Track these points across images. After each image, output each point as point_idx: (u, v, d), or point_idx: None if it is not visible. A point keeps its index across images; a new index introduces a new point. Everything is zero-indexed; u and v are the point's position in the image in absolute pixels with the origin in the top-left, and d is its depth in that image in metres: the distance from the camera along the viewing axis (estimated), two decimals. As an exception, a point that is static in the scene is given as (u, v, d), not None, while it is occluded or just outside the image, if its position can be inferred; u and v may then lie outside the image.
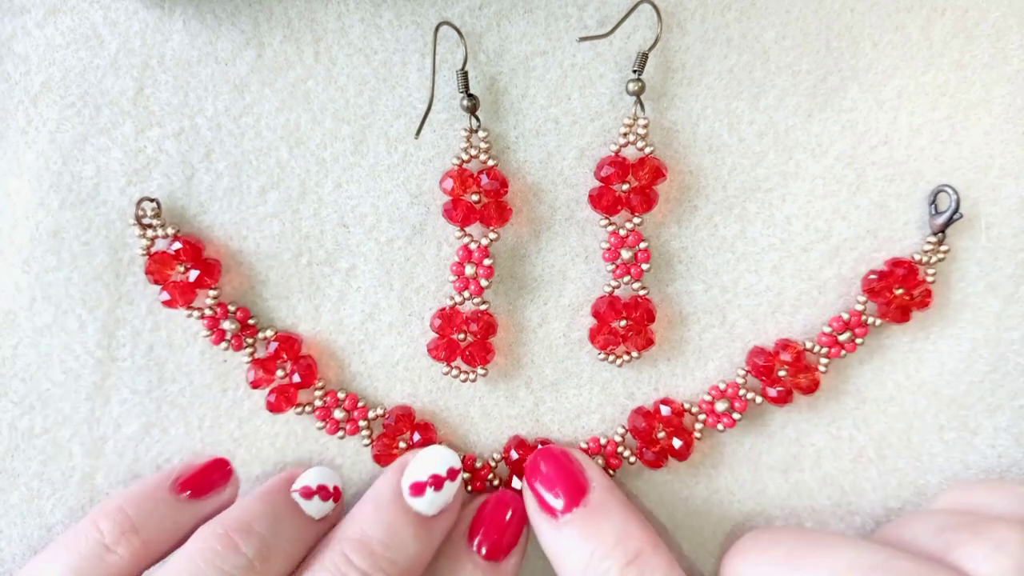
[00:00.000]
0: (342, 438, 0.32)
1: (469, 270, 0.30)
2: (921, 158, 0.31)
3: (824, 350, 0.31)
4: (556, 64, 0.30)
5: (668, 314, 0.32)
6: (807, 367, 0.31)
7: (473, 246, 0.31)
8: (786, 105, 0.31)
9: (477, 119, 0.30)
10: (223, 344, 0.31)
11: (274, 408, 0.31)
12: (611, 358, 0.31)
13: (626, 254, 0.30)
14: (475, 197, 0.30)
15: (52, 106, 0.30)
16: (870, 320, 0.30)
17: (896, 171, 0.31)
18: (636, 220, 0.30)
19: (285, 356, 0.31)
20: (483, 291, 0.31)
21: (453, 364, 0.31)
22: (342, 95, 0.31)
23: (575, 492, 0.29)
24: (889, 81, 0.30)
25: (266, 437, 0.32)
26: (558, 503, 0.28)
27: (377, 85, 0.31)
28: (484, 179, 0.30)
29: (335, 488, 0.30)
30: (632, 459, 0.31)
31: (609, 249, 0.31)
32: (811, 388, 0.30)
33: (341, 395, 0.32)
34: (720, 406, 0.31)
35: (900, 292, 0.30)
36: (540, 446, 0.31)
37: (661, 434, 0.31)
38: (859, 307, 0.30)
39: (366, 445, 0.32)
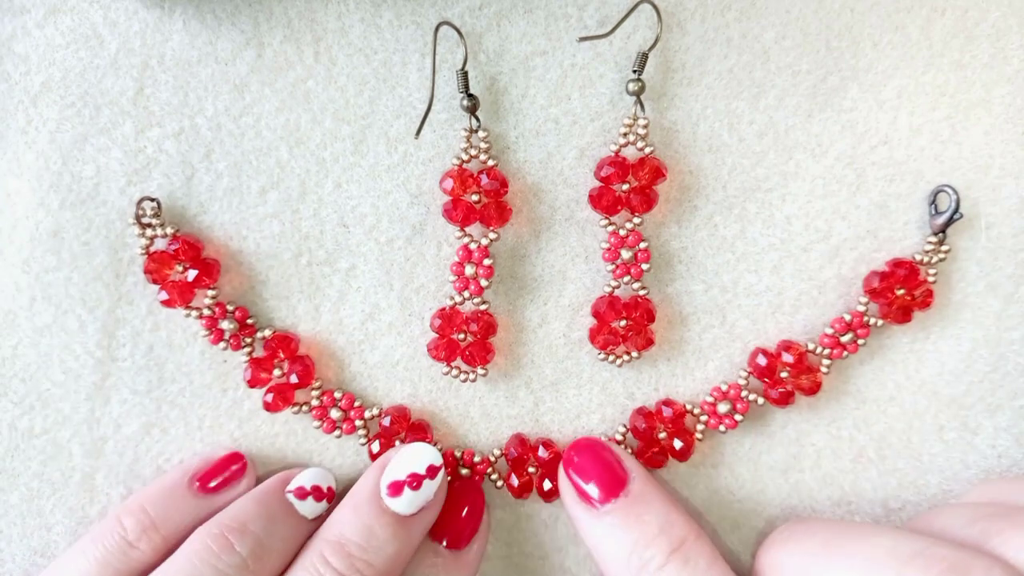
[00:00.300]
0: (339, 437, 0.32)
1: (469, 270, 0.30)
2: (921, 158, 0.31)
3: (826, 351, 0.31)
4: (556, 64, 0.30)
5: (668, 314, 0.32)
6: (809, 368, 0.31)
7: (473, 246, 0.31)
8: (786, 105, 0.31)
9: (477, 119, 0.30)
10: (222, 344, 0.31)
11: (271, 408, 0.31)
12: (611, 358, 0.31)
13: (626, 254, 0.30)
14: (475, 197, 0.30)
15: (52, 106, 0.30)
16: (872, 321, 0.30)
17: (896, 171, 0.31)
18: (636, 220, 0.30)
19: (282, 356, 0.31)
20: (483, 291, 0.31)
21: (453, 364, 0.31)
22: (342, 95, 0.31)
23: (614, 483, 0.29)
24: (889, 81, 0.30)
25: (266, 437, 0.32)
26: (597, 493, 0.29)
27: (377, 85, 0.31)
28: (484, 179, 0.30)
29: (329, 489, 0.31)
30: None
31: (609, 249, 0.31)
32: (813, 389, 0.30)
33: (338, 395, 0.32)
34: (722, 407, 0.31)
35: (901, 293, 0.30)
36: (542, 445, 0.31)
37: (662, 435, 0.31)
38: (861, 308, 0.30)
39: (363, 444, 0.32)
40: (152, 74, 0.31)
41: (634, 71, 0.30)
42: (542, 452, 0.31)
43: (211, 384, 0.32)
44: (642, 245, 0.30)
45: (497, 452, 0.32)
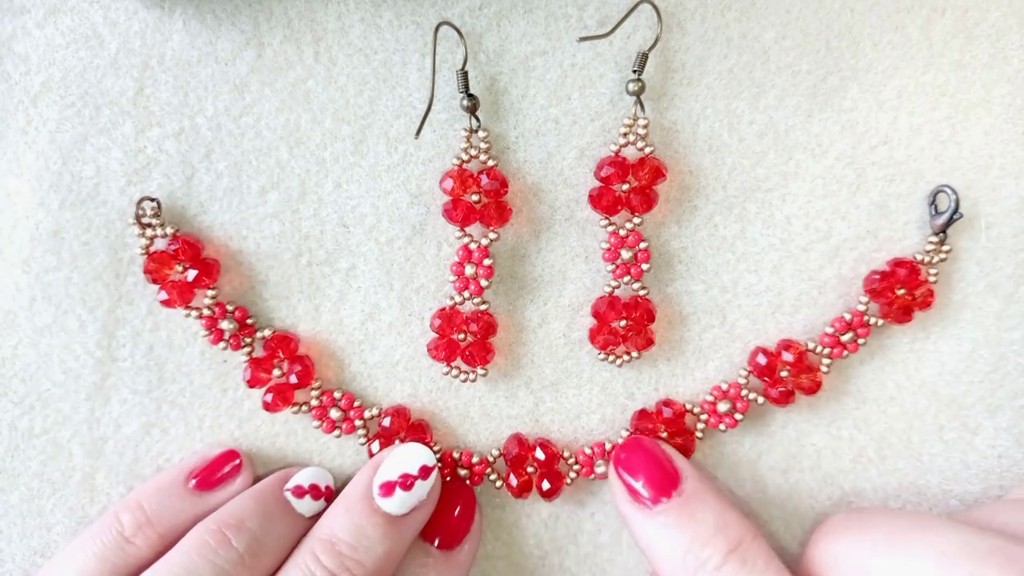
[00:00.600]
0: (338, 437, 0.32)
1: (469, 270, 0.30)
2: (921, 158, 0.31)
3: (826, 350, 0.31)
4: (556, 64, 0.30)
5: (668, 314, 0.32)
6: (809, 367, 0.31)
7: (473, 246, 0.31)
8: (786, 105, 0.31)
9: (477, 119, 0.30)
10: (221, 344, 0.31)
11: (270, 408, 0.31)
12: (611, 358, 0.31)
13: (626, 254, 0.30)
14: (475, 197, 0.30)
15: (52, 106, 0.30)
16: (872, 320, 0.30)
17: (896, 171, 0.31)
18: (636, 220, 0.30)
19: (282, 356, 0.31)
20: (483, 291, 0.31)
21: (453, 364, 0.31)
22: (342, 95, 0.31)
23: (666, 482, 0.29)
24: (889, 81, 0.30)
25: (266, 437, 0.32)
26: (648, 492, 0.29)
27: (377, 85, 0.31)
28: (484, 179, 0.30)
29: (327, 488, 0.31)
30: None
31: (609, 249, 0.31)
32: (813, 389, 0.30)
33: (337, 395, 0.32)
34: (722, 407, 0.31)
35: (902, 292, 0.30)
36: (539, 446, 0.31)
37: (663, 434, 0.31)
38: (861, 307, 0.30)
39: (363, 444, 0.32)
40: (152, 74, 0.31)
41: (634, 71, 0.30)
42: (539, 453, 0.31)
43: (211, 384, 0.32)
44: (642, 245, 0.30)
45: (495, 452, 0.32)
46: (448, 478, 0.32)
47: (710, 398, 0.31)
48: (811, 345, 0.31)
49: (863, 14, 0.30)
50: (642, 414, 0.31)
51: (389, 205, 0.31)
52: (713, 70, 0.30)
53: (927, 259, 0.30)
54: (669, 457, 0.30)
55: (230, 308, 0.31)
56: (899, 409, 0.31)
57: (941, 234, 0.30)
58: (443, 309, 0.31)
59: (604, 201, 0.30)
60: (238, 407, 0.32)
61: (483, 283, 0.31)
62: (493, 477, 0.32)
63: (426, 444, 0.31)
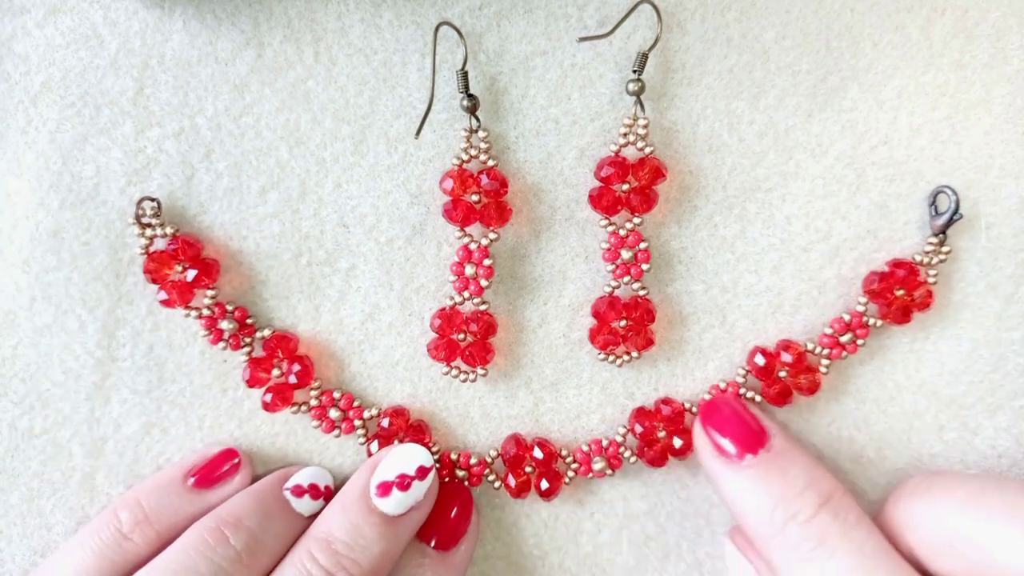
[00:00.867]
0: (338, 437, 0.32)
1: (469, 270, 0.30)
2: (921, 158, 0.31)
3: (825, 351, 0.31)
4: (556, 64, 0.30)
5: (668, 314, 0.32)
6: (808, 368, 0.31)
7: (473, 246, 0.31)
8: (786, 105, 0.31)
9: (477, 119, 0.30)
10: (221, 344, 0.31)
11: (270, 408, 0.31)
12: (611, 358, 0.31)
13: (626, 254, 0.30)
14: (475, 197, 0.30)
15: (52, 106, 0.30)
16: (871, 321, 0.30)
17: (896, 171, 0.31)
18: (636, 220, 0.30)
19: (281, 355, 0.31)
20: (483, 291, 0.31)
21: (453, 364, 0.31)
22: (342, 95, 0.31)
23: (752, 439, 0.29)
24: (889, 81, 0.30)
25: (266, 437, 0.32)
26: (734, 449, 0.29)
27: (377, 85, 0.31)
28: (484, 179, 0.30)
29: (327, 487, 0.31)
30: (632, 459, 0.31)
31: (609, 249, 0.31)
32: (812, 389, 0.30)
33: (336, 395, 0.32)
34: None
35: (901, 293, 0.30)
36: (537, 445, 0.31)
37: (661, 433, 0.31)
38: (860, 308, 0.30)
39: (362, 444, 0.32)
40: (152, 74, 0.31)
41: (634, 71, 0.30)
42: (537, 452, 0.31)
43: (211, 384, 0.32)
44: (642, 245, 0.30)
45: (493, 453, 0.32)
46: (446, 479, 0.32)
47: (708, 397, 0.31)
48: (810, 346, 0.31)
49: (863, 14, 0.30)
50: (640, 412, 0.31)
51: (389, 205, 0.31)
52: (713, 70, 0.30)
53: (926, 260, 0.30)
54: (755, 416, 0.30)
55: (230, 308, 0.31)
56: (899, 409, 0.31)
57: (941, 235, 0.30)
58: (443, 309, 0.31)
59: (604, 201, 0.30)
60: (238, 407, 0.32)
61: (483, 283, 0.31)
62: (491, 478, 0.32)
63: (425, 445, 0.31)
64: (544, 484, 0.31)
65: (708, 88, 0.31)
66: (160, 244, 0.31)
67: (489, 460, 0.32)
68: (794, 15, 0.30)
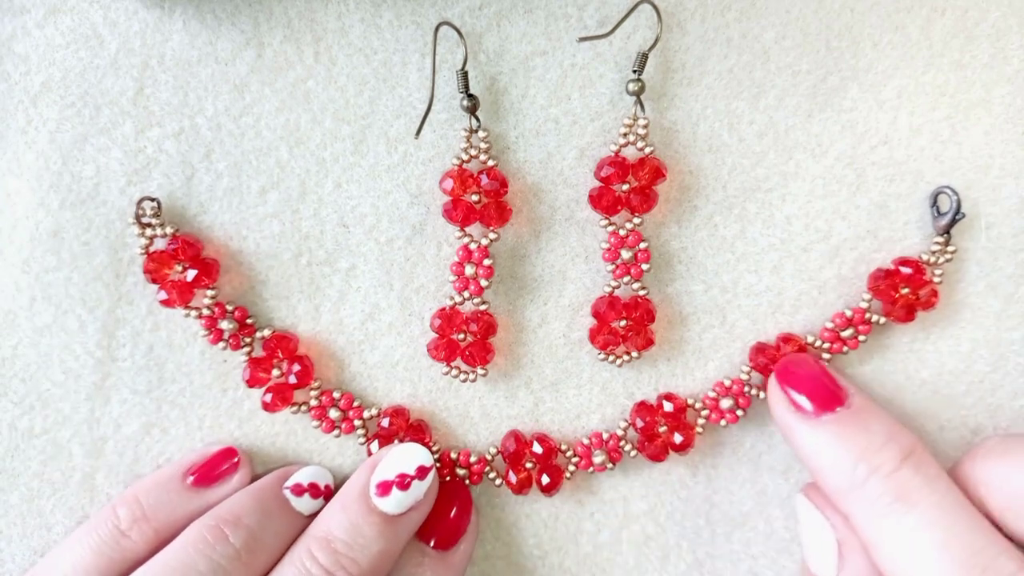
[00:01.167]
0: (338, 437, 0.32)
1: (469, 270, 0.30)
2: (921, 158, 0.31)
3: (826, 345, 0.31)
4: (556, 64, 0.30)
5: (668, 314, 0.32)
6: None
7: (473, 246, 0.31)
8: (786, 105, 0.31)
9: (477, 119, 0.30)
10: (221, 344, 0.31)
11: (270, 408, 0.31)
12: (611, 358, 0.31)
13: (626, 254, 0.30)
14: (475, 197, 0.30)
15: (52, 106, 0.30)
16: (874, 318, 0.30)
17: (896, 171, 0.31)
18: (636, 220, 0.30)
19: (281, 355, 0.31)
20: (483, 291, 0.31)
21: (453, 364, 0.31)
22: (342, 95, 0.31)
23: (829, 397, 0.28)
24: (889, 81, 0.30)
25: (266, 437, 0.32)
26: (810, 406, 0.28)
27: (377, 85, 0.31)
28: (484, 179, 0.30)
29: (326, 487, 0.31)
30: (633, 453, 0.31)
31: (609, 249, 0.31)
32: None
33: (336, 395, 0.32)
34: (725, 403, 0.31)
35: (906, 292, 0.30)
36: (536, 440, 0.31)
37: (663, 428, 0.31)
38: (863, 304, 0.30)
39: (362, 444, 0.32)
40: (152, 74, 0.31)
41: (634, 71, 0.30)
42: (536, 447, 0.31)
43: (211, 384, 0.32)
44: (642, 245, 0.30)
45: (493, 451, 0.32)
46: (447, 478, 0.32)
47: (712, 394, 0.31)
48: (811, 339, 0.31)
49: (863, 14, 0.30)
50: (642, 406, 0.31)
51: (389, 205, 0.31)
52: (713, 70, 0.30)
53: (932, 259, 0.30)
54: (832, 375, 0.29)
55: (230, 308, 0.31)
56: (899, 409, 0.31)
57: (946, 235, 0.30)
58: (443, 309, 0.31)
59: (604, 201, 0.30)
60: (238, 407, 0.32)
61: (483, 283, 0.31)
62: (492, 475, 0.32)
63: (425, 445, 0.31)
64: (545, 479, 0.31)
65: (708, 88, 0.31)
66: (160, 244, 0.31)
67: (489, 458, 0.32)
68: (794, 15, 0.30)
